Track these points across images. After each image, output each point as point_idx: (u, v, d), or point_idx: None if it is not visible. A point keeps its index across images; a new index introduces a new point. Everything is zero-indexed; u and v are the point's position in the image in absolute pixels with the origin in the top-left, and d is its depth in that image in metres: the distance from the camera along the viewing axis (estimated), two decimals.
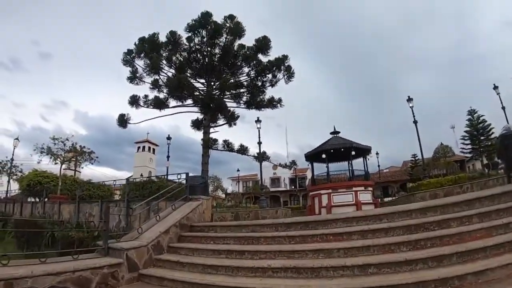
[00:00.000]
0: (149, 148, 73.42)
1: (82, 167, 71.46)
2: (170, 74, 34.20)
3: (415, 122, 24.30)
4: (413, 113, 24.46)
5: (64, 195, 23.87)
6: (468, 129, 37.79)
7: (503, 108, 26.66)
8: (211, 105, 34.03)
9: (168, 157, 31.75)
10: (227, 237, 9.61)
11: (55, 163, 26.27)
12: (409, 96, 25.07)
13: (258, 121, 25.43)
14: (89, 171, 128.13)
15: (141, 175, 57.53)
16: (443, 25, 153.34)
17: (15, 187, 34.08)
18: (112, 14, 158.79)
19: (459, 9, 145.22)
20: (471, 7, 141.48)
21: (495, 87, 27.17)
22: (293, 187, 59.77)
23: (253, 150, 29.07)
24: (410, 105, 24.77)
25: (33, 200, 26.96)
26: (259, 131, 25.17)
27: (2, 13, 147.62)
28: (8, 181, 33.63)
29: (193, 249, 9.62)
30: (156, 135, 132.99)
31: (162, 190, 12.93)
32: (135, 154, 74.66)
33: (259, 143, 25.44)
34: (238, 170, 57.14)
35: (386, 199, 42.43)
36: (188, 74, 35.02)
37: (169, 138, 31.80)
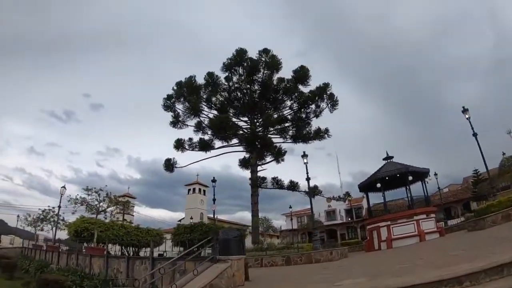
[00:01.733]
0: (199, 189, 72.14)
1: (134, 212, 72.50)
2: (211, 116, 33.52)
3: (474, 134, 21.80)
4: (471, 125, 21.95)
5: (100, 247, 22.83)
6: None
7: None
8: (256, 143, 33.07)
9: (214, 200, 30.45)
10: None
11: (92, 213, 25.59)
12: (464, 107, 22.57)
13: (304, 155, 23.74)
14: (145, 213, 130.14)
15: (191, 218, 56.91)
16: (477, 28, 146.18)
17: (63, 233, 33.57)
18: (157, 65, 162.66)
19: (491, 9, 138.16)
20: (502, 5, 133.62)
21: None
22: (349, 218, 56.87)
23: (304, 184, 27.50)
24: (467, 116, 22.27)
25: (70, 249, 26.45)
26: (306, 166, 23.49)
27: (54, 68, 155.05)
28: (55, 229, 33.04)
29: None
30: (206, 175, 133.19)
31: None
32: (186, 196, 72.88)
33: (308, 179, 23.77)
34: (290, 207, 54.56)
35: (450, 223, 39.24)
36: (231, 113, 34.41)
37: (214, 180, 30.52)
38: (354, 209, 58.18)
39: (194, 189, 71.57)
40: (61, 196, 31.48)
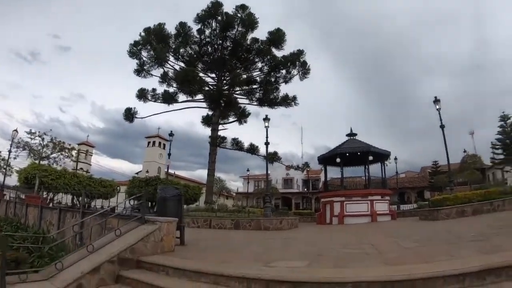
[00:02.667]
0: (160, 143, 69.97)
1: (93, 162, 70.18)
2: (178, 68, 31.93)
3: (442, 126, 20.98)
4: (440, 117, 21.08)
5: (37, 196, 21.19)
6: (500, 136, 33.33)
7: None
8: (221, 101, 31.75)
9: (169, 154, 29.18)
10: None
11: (35, 159, 23.88)
12: (436, 97, 21.62)
13: (266, 119, 22.39)
14: (106, 163, 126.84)
15: (147, 171, 55.20)
16: (459, 29, 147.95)
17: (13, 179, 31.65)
18: (131, 13, 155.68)
19: (478, 14, 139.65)
20: (490, 12, 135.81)
21: None
22: (305, 189, 56.58)
23: (271, 148, 26.45)
24: (437, 107, 21.32)
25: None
26: (267, 130, 22.14)
27: (23, 7, 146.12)
28: (4, 176, 31.07)
29: None
30: (170, 130, 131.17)
31: None
32: (145, 149, 71.09)
33: (267, 143, 22.48)
34: (248, 170, 53.73)
35: (402, 207, 39.06)
36: (199, 68, 32.77)
37: (171, 134, 29.14)
38: (312, 181, 57.97)
39: (154, 142, 69.83)
40: (12, 140, 29.34)
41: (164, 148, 67.77)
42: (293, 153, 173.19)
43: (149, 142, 70.44)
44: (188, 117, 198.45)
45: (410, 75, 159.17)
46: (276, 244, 10.27)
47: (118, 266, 6.84)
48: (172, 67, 32.33)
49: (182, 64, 32.69)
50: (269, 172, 59.22)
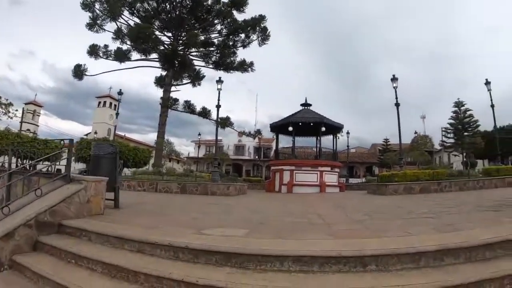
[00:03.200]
0: (110, 104, 65.87)
1: (40, 123, 66.25)
2: (132, 24, 30.01)
3: (397, 104, 20.75)
4: (396, 95, 20.86)
5: None
6: (452, 121, 33.24)
7: (492, 106, 23.70)
8: (175, 60, 30.40)
9: (117, 114, 27.76)
10: (94, 260, 4.82)
11: None
12: (394, 75, 21.34)
13: (219, 81, 21.40)
14: (56, 124, 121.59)
15: (95, 132, 52.76)
16: (427, 20, 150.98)
17: None
18: None
19: (447, 7, 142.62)
20: (460, 7, 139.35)
21: (487, 83, 23.89)
22: (257, 156, 56.11)
23: (222, 114, 25.32)
24: (394, 85, 21.02)
25: None
26: (219, 93, 21.17)
27: None
28: None
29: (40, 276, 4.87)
30: (123, 91, 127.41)
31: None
32: (95, 110, 67.39)
33: (218, 106, 21.58)
34: (199, 135, 52.24)
35: (351, 180, 39.36)
36: (155, 26, 30.92)
37: (120, 93, 27.69)
38: (264, 149, 57.65)
39: (104, 102, 66.79)
40: None
41: (115, 109, 64.09)
42: (247, 120, 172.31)
43: (99, 103, 67.30)
44: (142, 78, 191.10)
45: (372, 57, 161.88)
46: (218, 209, 9.57)
47: (36, 230, 5.77)
48: (126, 23, 30.23)
49: (138, 20, 30.58)
50: (221, 138, 59.15)
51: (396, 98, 20.93)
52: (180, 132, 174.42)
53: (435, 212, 7.83)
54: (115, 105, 63.57)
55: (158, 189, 19.03)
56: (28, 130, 48.66)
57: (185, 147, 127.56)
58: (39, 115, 68.33)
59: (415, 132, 44.61)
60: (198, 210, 9.57)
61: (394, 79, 21.34)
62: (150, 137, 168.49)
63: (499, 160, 25.98)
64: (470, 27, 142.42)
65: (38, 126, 65.02)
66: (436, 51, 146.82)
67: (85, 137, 45.92)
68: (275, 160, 28.18)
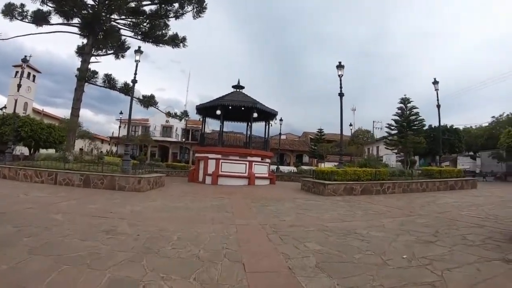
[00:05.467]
0: (29, 74, 55.45)
1: None
2: None
3: (341, 94, 18.09)
4: (340, 84, 18.19)
5: None
6: (397, 118, 31.22)
7: (438, 106, 21.95)
8: (96, 26, 26.14)
9: (19, 86, 23.01)
10: None
11: None
12: (340, 62, 18.53)
13: (138, 51, 17.36)
14: None
15: (4, 107, 45.18)
16: (362, 17, 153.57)
17: None
18: None
19: (383, 6, 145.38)
20: (394, 8, 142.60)
21: (435, 82, 22.09)
22: (184, 139, 51.96)
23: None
24: (340, 73, 18.30)
25: None
26: (137, 65, 17.09)
27: None
28: None
29: None
30: (49, 61, 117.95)
31: None
32: (11, 80, 54.95)
33: (134, 81, 17.60)
34: (121, 113, 45.72)
35: (282, 168, 36.71)
36: None
37: (25, 60, 22.91)
38: (192, 131, 54.18)
39: (22, 72, 56.68)
40: None
41: (34, 80, 56.56)
42: (178, 100, 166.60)
43: (16, 72, 57.61)
44: (71, 49, 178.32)
45: (308, 46, 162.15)
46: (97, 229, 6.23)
47: None
48: None
49: None
50: (148, 118, 54.93)
51: (341, 87, 18.21)
52: (110, 109, 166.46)
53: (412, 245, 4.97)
54: (34, 76, 55.99)
55: (58, 180, 15.07)
56: None
57: (114, 125, 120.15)
58: None
59: (350, 124, 42.88)
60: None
61: (340, 66, 18.51)
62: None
63: (437, 160, 24.40)
64: (400, 29, 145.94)
65: None
66: (367, 47, 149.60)
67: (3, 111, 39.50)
68: (200, 146, 24.45)
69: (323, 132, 49.84)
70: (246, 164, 21.81)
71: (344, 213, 9.47)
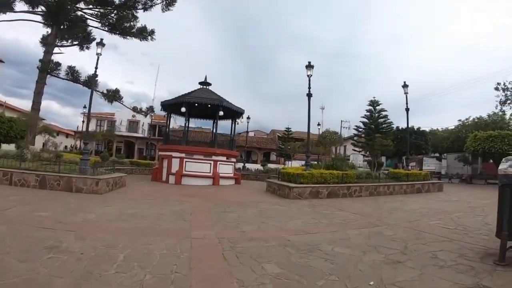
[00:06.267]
0: None
1: None
2: None
3: (309, 94, 17.62)
4: (309, 84, 17.63)
5: None
6: (366, 120, 30.76)
7: (407, 109, 22.01)
8: (59, 15, 24.97)
9: None
10: None
11: None
12: (309, 62, 17.98)
13: (100, 43, 16.37)
14: None
15: None
16: (334, 18, 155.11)
17: None
18: None
19: (355, 9, 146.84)
20: (367, 12, 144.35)
21: (405, 86, 21.99)
22: (150, 135, 50.70)
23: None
24: (309, 72, 17.75)
25: None
26: (98, 58, 16.00)
27: None
28: None
29: None
30: (20, 51, 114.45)
31: None
32: None
33: (95, 75, 16.68)
34: (84, 107, 43.93)
35: (248, 165, 36.23)
36: None
37: None
38: (159, 126, 53.27)
39: None
40: None
41: None
42: (146, 94, 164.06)
43: None
44: (38, 38, 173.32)
45: (277, 44, 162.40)
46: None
47: None
48: None
49: None
50: (114, 112, 53.60)
51: (309, 88, 17.65)
52: (77, 102, 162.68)
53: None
54: None
55: (13, 181, 13.91)
56: None
57: (80, 119, 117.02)
58: None
59: (318, 124, 42.62)
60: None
61: (309, 66, 17.94)
62: (45, 104, 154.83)
63: (403, 161, 24.33)
64: (373, 31, 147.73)
65: None
66: (339, 47, 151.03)
67: None
68: (164, 145, 23.53)
69: (290, 131, 49.62)
70: (211, 163, 21.16)
71: (309, 221, 8.92)
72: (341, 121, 60.80)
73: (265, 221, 8.91)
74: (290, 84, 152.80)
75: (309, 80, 17.80)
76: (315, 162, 25.19)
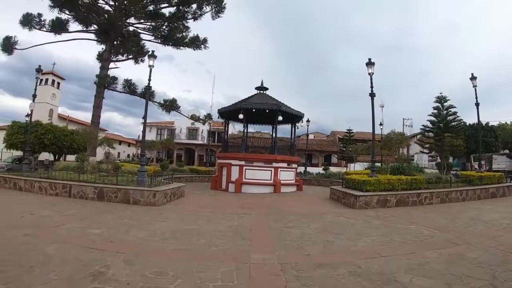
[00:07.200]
0: (53, 81, 54.69)
1: None
2: None
3: (372, 94, 16.47)
4: (371, 84, 16.53)
5: None
6: (434, 119, 28.91)
7: (477, 104, 20.02)
8: (112, 32, 25.62)
9: (34, 96, 21.99)
10: None
11: None
12: (370, 59, 16.84)
13: (152, 56, 16.23)
14: (9, 103, 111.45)
15: (27, 114, 44.58)
16: (389, 12, 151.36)
17: None
18: None
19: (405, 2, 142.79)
20: (421, 2, 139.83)
21: (473, 78, 20.14)
22: (209, 141, 51.04)
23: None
24: (370, 70, 16.64)
25: None
26: (150, 69, 15.90)
27: None
28: None
29: None
30: (76, 67, 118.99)
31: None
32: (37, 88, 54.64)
33: (148, 87, 16.63)
34: (143, 118, 44.67)
35: (310, 169, 35.53)
36: None
37: (39, 70, 21.89)
38: (218, 132, 53.62)
39: (47, 80, 54.38)
40: None
41: (59, 87, 55.12)
42: (204, 101, 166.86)
43: (41, 80, 56.29)
44: (95, 54, 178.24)
45: (334, 43, 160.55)
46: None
47: None
48: None
49: None
50: (173, 120, 54.45)
51: (371, 87, 16.48)
52: (138, 112, 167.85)
53: None
54: (58, 83, 54.78)
55: (72, 193, 14.34)
56: None
57: (140, 128, 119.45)
58: None
59: (381, 124, 40.96)
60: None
61: (370, 63, 16.81)
62: (105, 116, 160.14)
63: (471, 161, 22.47)
64: (429, 21, 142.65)
65: None
66: (394, 42, 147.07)
67: (27, 119, 38.56)
68: (223, 153, 23.23)
69: (352, 132, 48.28)
70: (271, 170, 20.60)
71: (379, 239, 8.03)
72: (403, 119, 58.73)
73: (331, 239, 8.10)
74: (346, 82, 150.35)
75: (371, 79, 16.67)
76: (379, 164, 24.03)
